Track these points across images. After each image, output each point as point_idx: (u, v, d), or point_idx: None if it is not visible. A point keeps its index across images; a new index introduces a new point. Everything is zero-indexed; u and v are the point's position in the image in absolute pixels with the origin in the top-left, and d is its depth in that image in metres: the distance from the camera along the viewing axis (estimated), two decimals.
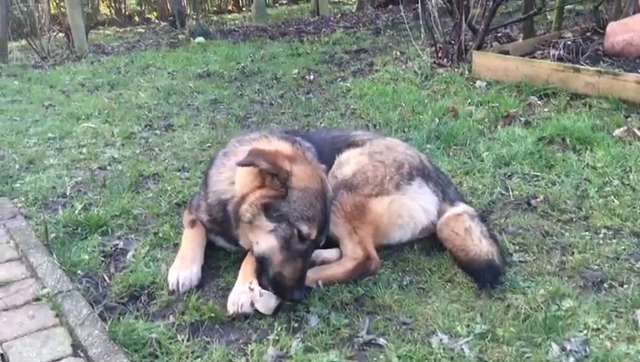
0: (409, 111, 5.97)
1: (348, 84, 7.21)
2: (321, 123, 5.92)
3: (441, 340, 2.64)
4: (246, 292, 2.80)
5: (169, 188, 4.32)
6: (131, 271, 3.17)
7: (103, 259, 3.30)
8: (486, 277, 3.03)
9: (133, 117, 6.29)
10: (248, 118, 6.25)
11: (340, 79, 7.55)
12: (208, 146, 5.35)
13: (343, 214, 3.26)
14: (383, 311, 2.86)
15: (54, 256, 3.24)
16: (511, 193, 4.05)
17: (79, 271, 3.17)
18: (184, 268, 3.05)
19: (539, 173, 4.27)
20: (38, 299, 2.85)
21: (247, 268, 2.93)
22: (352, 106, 6.38)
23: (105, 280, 3.12)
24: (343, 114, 6.18)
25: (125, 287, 3.04)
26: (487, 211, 3.85)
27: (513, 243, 3.44)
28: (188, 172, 4.69)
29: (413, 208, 3.39)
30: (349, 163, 3.51)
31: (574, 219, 3.63)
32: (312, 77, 7.71)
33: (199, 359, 2.52)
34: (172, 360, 2.50)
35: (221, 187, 3.06)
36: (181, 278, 3.01)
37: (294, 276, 2.72)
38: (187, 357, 2.52)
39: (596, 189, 3.92)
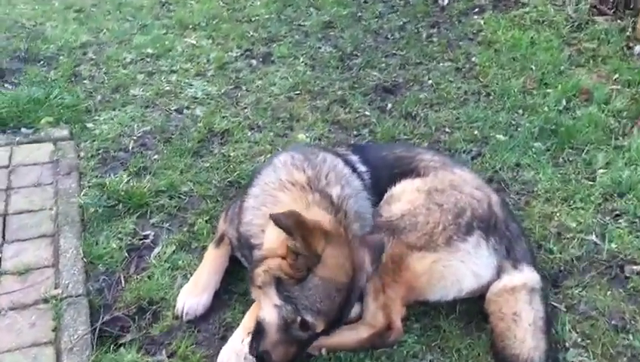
0: (536, 80, 5.05)
1: (482, 21, 6.22)
2: (428, 79, 5.22)
3: None
4: (237, 352, 2.60)
5: (232, 154, 4.10)
6: (148, 278, 3.08)
7: (127, 254, 3.22)
8: None
9: (237, 35, 5.94)
10: (354, 57, 5.65)
11: (476, 10, 6.51)
12: (297, 94, 4.95)
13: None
14: None
15: (83, 241, 3.21)
16: (606, 246, 3.33)
17: (100, 267, 3.13)
18: (194, 295, 2.90)
19: None
20: (46, 301, 2.86)
21: (252, 317, 2.70)
22: (473, 59, 5.53)
23: (120, 283, 3.07)
24: (459, 69, 5.40)
25: (135, 298, 2.97)
26: (565, 272, 3.22)
27: (576, 332, 2.89)
28: (260, 132, 4.41)
29: (461, 272, 2.90)
30: (400, 199, 3.03)
31: None
32: (445, 2, 6.72)
33: None
34: None
35: (253, 230, 2.75)
36: (187, 306, 2.87)
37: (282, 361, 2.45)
38: None
39: None
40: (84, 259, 3.12)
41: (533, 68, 5.23)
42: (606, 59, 5.34)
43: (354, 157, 3.16)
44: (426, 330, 2.89)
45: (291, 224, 2.34)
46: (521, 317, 2.75)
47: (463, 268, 2.89)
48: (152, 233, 3.37)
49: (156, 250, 3.26)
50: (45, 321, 2.78)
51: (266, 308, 2.49)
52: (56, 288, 2.94)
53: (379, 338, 2.78)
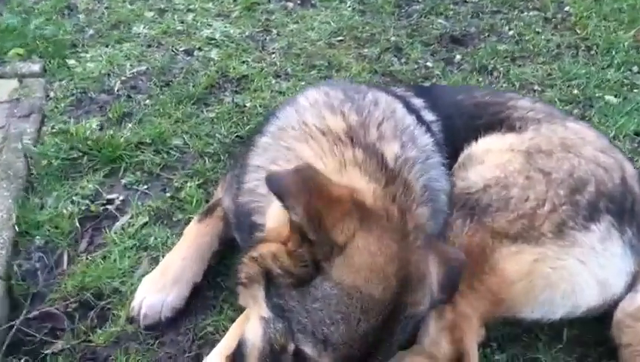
0: None
1: None
2: (509, 29, 4.10)
3: None
4: None
5: (248, 104, 3.10)
6: (103, 259, 2.11)
7: (79, 224, 2.25)
8: None
9: None
10: (414, 3, 4.52)
11: None
12: (339, 41, 3.90)
13: None
14: None
15: (21, 202, 2.26)
16: None
17: (37, 239, 2.18)
18: (158, 289, 1.91)
19: None
20: None
21: (236, 332, 1.68)
22: (566, 9, 4.37)
23: (62, 264, 2.11)
24: (548, 19, 4.25)
25: (78, 288, 2.02)
26: None
27: None
28: (289, 80, 3.40)
29: (579, 278, 1.83)
30: (484, 162, 1.96)
31: None
32: None
33: None
34: None
35: (256, 200, 1.71)
36: (147, 305, 1.90)
37: None
38: None
39: None
40: (17, 227, 2.17)
41: None
42: None
43: (417, 101, 2.09)
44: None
45: (294, 186, 1.32)
46: None
47: (583, 271, 1.82)
48: (121, 197, 2.41)
49: (121, 221, 2.29)
50: None
51: (252, 321, 1.47)
52: None
53: None
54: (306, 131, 1.70)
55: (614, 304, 1.88)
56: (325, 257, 1.35)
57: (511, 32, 4.07)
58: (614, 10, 4.27)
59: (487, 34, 4.05)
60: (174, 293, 1.91)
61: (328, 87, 1.97)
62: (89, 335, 1.88)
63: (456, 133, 2.05)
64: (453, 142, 2.02)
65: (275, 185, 1.35)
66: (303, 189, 1.32)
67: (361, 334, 1.35)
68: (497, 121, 2.10)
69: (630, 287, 1.88)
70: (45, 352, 1.83)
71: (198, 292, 1.99)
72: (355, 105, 1.78)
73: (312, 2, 4.51)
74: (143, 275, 2.00)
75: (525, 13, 4.34)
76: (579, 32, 4.03)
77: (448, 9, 4.40)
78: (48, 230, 2.21)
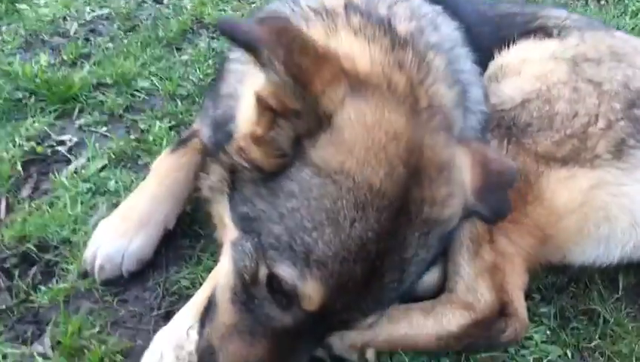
0: None
1: None
2: None
3: None
4: (178, 344, 1.19)
5: (224, 51, 2.67)
6: (50, 206, 1.69)
7: (23, 167, 1.83)
8: None
9: None
10: None
11: None
12: None
13: None
14: None
15: None
16: None
17: None
18: (117, 237, 1.51)
19: None
20: None
21: (206, 291, 1.29)
22: None
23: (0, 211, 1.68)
24: None
25: (19, 238, 1.59)
26: None
27: None
28: None
29: None
30: (520, 72, 1.60)
31: None
32: None
33: None
34: None
35: (234, 108, 1.28)
36: (101, 257, 1.48)
37: None
38: None
39: None
40: None
41: None
42: None
43: (436, 7, 1.70)
44: (568, 319, 1.49)
45: (268, 37, 0.97)
46: None
47: None
48: (74, 139, 2.00)
49: (74, 164, 1.89)
50: None
51: (222, 256, 1.12)
52: None
53: (483, 332, 1.38)
54: (298, 13, 1.32)
55: None
56: (308, 132, 0.99)
57: None
58: None
59: None
60: (139, 240, 1.51)
61: None
62: (30, 295, 1.48)
63: (482, 43, 1.68)
64: (477, 52, 1.66)
65: (242, 34, 0.97)
66: (279, 42, 0.95)
67: (357, 241, 0.97)
68: (529, 31, 1.75)
69: None
70: None
71: (169, 240, 1.59)
72: None
73: None
74: (100, 221, 1.58)
75: None
76: None
77: None
78: None
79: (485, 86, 1.59)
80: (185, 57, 2.58)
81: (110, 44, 2.63)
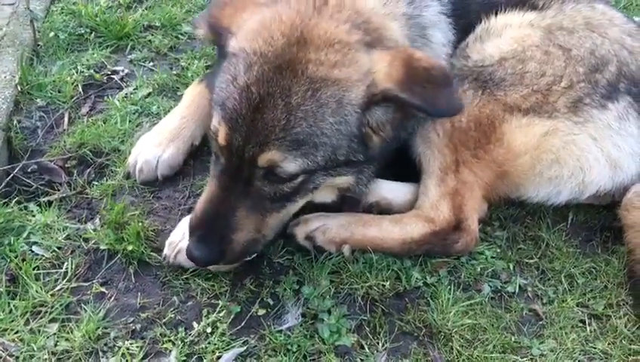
0: None
1: None
2: None
3: None
4: None
5: None
6: (104, 122, 2.07)
7: (82, 90, 2.20)
8: None
9: None
10: None
11: None
12: None
13: (448, 129, 1.72)
14: (427, 346, 1.44)
15: (26, 66, 2.22)
16: None
17: (39, 100, 2.15)
18: (153, 146, 1.87)
19: None
20: None
21: None
22: None
23: (62, 124, 2.07)
24: None
25: (77, 145, 1.98)
26: None
27: None
28: None
29: (590, 155, 1.76)
30: (501, 35, 1.88)
31: None
32: None
33: (59, 326, 1.41)
34: (22, 318, 1.42)
35: None
36: (142, 160, 1.85)
37: (197, 212, 1.50)
38: (42, 317, 1.42)
39: None
40: (19, 87, 2.13)
41: None
42: None
43: None
44: (517, 242, 1.79)
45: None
46: None
47: (595, 149, 1.74)
48: (126, 70, 2.36)
49: (125, 90, 2.25)
50: None
51: None
52: None
53: (439, 241, 1.69)
54: None
55: (623, 191, 1.80)
56: (225, 42, 1.49)
57: None
58: None
59: None
60: (170, 150, 1.87)
61: None
62: (85, 188, 1.85)
63: (471, 7, 1.95)
64: (466, 15, 1.92)
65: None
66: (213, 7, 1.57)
67: (243, 87, 1.39)
68: (517, 2, 2.00)
69: None
70: (40, 200, 1.80)
71: (196, 153, 1.95)
72: None
73: None
74: (141, 136, 1.95)
75: None
76: None
77: None
78: (51, 93, 2.17)
79: (466, 42, 1.87)
80: None
81: None
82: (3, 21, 2.55)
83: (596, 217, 1.87)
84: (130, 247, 1.59)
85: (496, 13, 1.94)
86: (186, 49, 2.54)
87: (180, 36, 2.61)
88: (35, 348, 1.38)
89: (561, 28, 1.87)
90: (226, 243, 1.45)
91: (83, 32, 2.53)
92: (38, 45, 2.42)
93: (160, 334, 1.45)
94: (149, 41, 2.54)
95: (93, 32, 2.53)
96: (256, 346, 1.45)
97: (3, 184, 1.80)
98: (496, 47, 1.84)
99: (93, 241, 1.62)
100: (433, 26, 1.71)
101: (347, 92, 1.41)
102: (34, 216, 1.70)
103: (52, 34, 2.47)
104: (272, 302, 1.54)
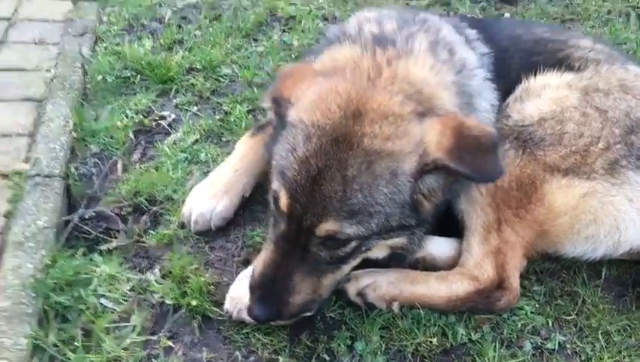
0: None
1: None
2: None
3: None
4: None
5: (295, 43, 3.13)
6: (155, 169, 2.17)
7: (134, 136, 2.30)
8: None
9: None
10: None
11: None
12: None
13: (491, 188, 1.81)
14: None
15: (78, 111, 2.32)
16: None
17: (93, 146, 2.25)
18: (207, 198, 1.97)
19: None
20: (5, 176, 2.00)
21: None
22: None
23: (116, 170, 2.17)
24: None
25: (132, 193, 2.08)
26: None
27: None
28: (336, 24, 3.36)
29: (626, 216, 1.84)
30: (540, 96, 1.97)
31: None
32: None
33: None
34: None
35: None
36: (197, 212, 1.94)
37: (257, 275, 1.58)
38: None
39: None
40: (74, 134, 2.24)
41: None
42: None
43: (471, 32, 2.09)
44: (554, 297, 1.87)
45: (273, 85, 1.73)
46: None
47: (631, 210, 1.83)
48: (173, 115, 2.46)
49: (173, 136, 2.35)
50: None
51: None
52: (25, 162, 2.06)
53: (483, 299, 1.77)
54: (343, 36, 1.82)
55: None
56: (284, 112, 1.57)
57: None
58: None
59: None
60: (224, 203, 1.96)
61: (390, 8, 2.02)
62: (142, 237, 1.94)
63: (512, 67, 2.05)
64: (507, 76, 2.03)
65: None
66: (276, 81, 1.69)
67: (303, 159, 1.46)
68: (557, 59, 2.09)
69: None
70: (100, 248, 1.89)
71: (247, 205, 2.04)
72: (398, 19, 1.86)
73: None
74: (194, 186, 2.05)
75: None
76: (630, 0, 3.97)
77: None
78: (104, 139, 2.27)
79: (507, 103, 1.97)
80: (260, 48, 3.01)
81: (198, 32, 3.09)
82: (51, 62, 2.67)
83: (628, 272, 1.95)
84: (194, 302, 1.67)
85: (535, 74, 2.04)
86: (227, 92, 2.64)
87: (220, 79, 2.72)
88: None
89: (598, 90, 1.96)
90: (284, 304, 1.54)
91: (129, 74, 2.64)
92: (86, 88, 2.52)
93: None
94: (192, 84, 2.64)
95: (139, 75, 2.64)
96: None
97: (65, 234, 1.89)
98: (536, 108, 1.93)
99: (158, 296, 1.71)
100: (479, 93, 1.81)
101: (400, 163, 1.49)
102: (98, 266, 1.79)
103: (100, 77, 2.58)
104: (327, 358, 1.63)
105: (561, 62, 2.08)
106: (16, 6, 3.04)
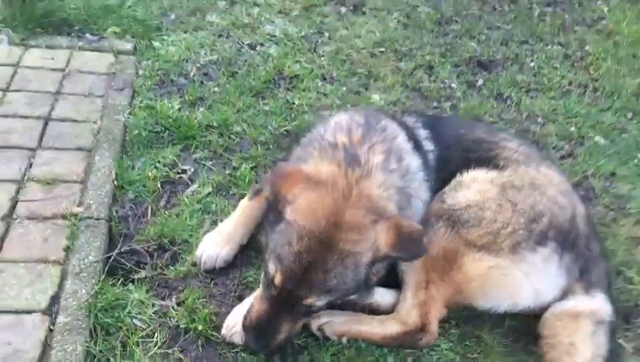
0: None
1: (606, 8, 5.52)
2: (531, 61, 4.68)
3: None
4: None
5: (296, 101, 3.77)
6: (177, 215, 2.84)
7: (161, 186, 2.98)
8: None
9: None
10: (452, 22, 5.14)
11: None
12: (381, 52, 4.53)
13: (425, 256, 2.46)
14: None
15: (118, 162, 2.99)
16: None
17: (130, 193, 2.91)
18: (215, 244, 2.63)
19: None
20: (64, 217, 2.67)
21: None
22: (586, 47, 4.91)
23: (147, 215, 2.84)
24: (568, 56, 4.81)
25: (158, 234, 2.74)
26: None
27: None
28: (332, 84, 4.06)
29: (521, 286, 2.50)
30: (470, 187, 2.61)
31: None
32: None
33: None
34: None
35: None
36: (206, 255, 2.62)
37: (253, 319, 2.22)
38: None
39: None
40: (115, 182, 2.91)
41: None
42: None
43: (423, 132, 2.75)
44: (465, 339, 2.52)
45: (269, 177, 2.34)
46: (577, 350, 2.36)
47: (525, 282, 2.48)
48: (192, 169, 3.11)
49: (191, 188, 3.00)
50: (59, 238, 2.59)
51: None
52: (79, 206, 2.74)
53: (409, 338, 2.43)
54: (322, 141, 2.44)
55: (545, 308, 2.53)
56: (282, 207, 2.12)
57: (532, 64, 4.64)
58: (629, 55, 4.78)
59: (510, 62, 4.63)
60: (226, 249, 2.63)
61: (358, 112, 2.67)
62: (164, 270, 2.61)
63: (452, 161, 2.70)
64: (448, 167, 2.67)
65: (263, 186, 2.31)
66: (271, 176, 2.24)
67: (297, 252, 2.06)
68: (487, 157, 2.72)
69: (560, 298, 2.54)
70: (133, 277, 2.57)
71: (243, 251, 2.70)
72: (364, 128, 2.48)
73: (363, 10, 5.12)
74: (205, 232, 2.71)
75: (549, 47, 4.89)
76: (591, 72, 4.58)
77: (482, 33, 4.99)
78: (138, 187, 2.93)
79: (444, 191, 2.62)
80: (266, 108, 3.66)
81: (217, 89, 3.74)
82: (97, 114, 3.32)
83: (524, 324, 2.60)
84: (199, 327, 2.34)
85: (468, 169, 2.68)
86: (236, 149, 3.29)
87: (232, 136, 3.37)
88: None
89: (513, 186, 2.59)
90: (271, 340, 2.20)
91: (159, 129, 3.29)
92: (125, 140, 3.19)
93: None
94: (209, 141, 3.29)
95: (167, 131, 3.29)
96: None
97: (107, 266, 2.57)
98: (465, 197, 2.57)
99: (175, 320, 2.39)
100: (416, 194, 2.46)
101: (362, 258, 2.13)
102: (132, 293, 2.46)
103: (136, 131, 3.23)
104: None
105: (490, 160, 2.71)
106: (69, 57, 3.70)
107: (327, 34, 4.67)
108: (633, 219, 3.22)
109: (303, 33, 4.60)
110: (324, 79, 4.09)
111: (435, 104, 4.00)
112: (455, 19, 5.18)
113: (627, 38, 5.01)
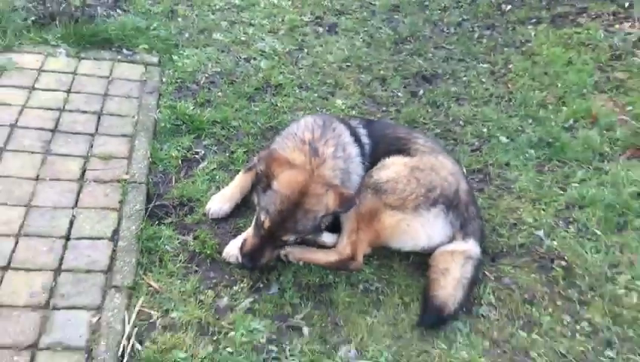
0: (556, 97, 5.62)
1: (533, 33, 6.78)
2: (464, 76, 5.92)
3: (348, 353, 3.28)
4: (238, 247, 3.64)
5: (279, 104, 5.05)
6: (192, 183, 4.14)
7: (181, 162, 4.28)
8: (425, 319, 3.50)
9: (313, 2, 6.73)
10: (407, 42, 6.39)
11: (534, 20, 7.00)
12: (347, 66, 5.81)
13: (357, 212, 3.78)
14: (328, 306, 3.51)
15: (152, 145, 4.29)
16: (548, 242, 4.05)
17: (160, 166, 4.20)
18: (219, 201, 3.94)
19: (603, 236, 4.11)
20: (118, 181, 3.97)
21: (249, 230, 3.73)
22: (510, 66, 6.12)
23: (171, 181, 4.14)
24: (494, 72, 6.04)
25: (179, 195, 4.03)
26: (504, 253, 3.96)
27: (494, 296, 3.69)
28: (307, 91, 5.31)
29: (419, 233, 3.76)
30: (389, 168, 3.89)
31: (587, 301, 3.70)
32: (508, 7, 7.32)
33: (178, 281, 3.49)
34: (161, 275, 3.51)
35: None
36: (213, 209, 3.92)
37: (247, 248, 3.45)
38: (170, 277, 3.50)
39: None
40: (150, 159, 4.21)
41: (559, 85, 5.72)
42: (629, 91, 5.80)
43: (362, 131, 4.05)
44: (381, 267, 3.81)
45: (264, 155, 3.47)
46: (449, 272, 3.61)
47: (421, 230, 3.76)
48: (202, 151, 4.41)
49: (202, 164, 4.30)
50: (115, 195, 3.89)
51: (255, 216, 3.52)
52: (126, 174, 4.04)
53: (343, 264, 3.73)
54: (294, 136, 3.69)
55: (435, 248, 3.80)
56: (271, 180, 3.22)
57: (465, 78, 5.90)
58: (542, 73, 6.00)
59: (447, 76, 5.91)
60: (227, 206, 3.92)
61: (319, 116, 3.99)
62: (184, 218, 3.92)
63: (379, 152, 3.99)
64: (376, 155, 3.99)
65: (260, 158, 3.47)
66: (267, 156, 3.40)
67: (278, 209, 3.24)
68: (403, 149, 4.01)
69: (446, 242, 3.84)
70: (164, 222, 3.87)
71: (237, 208, 4.01)
72: (322, 128, 3.74)
73: (337, 30, 6.41)
74: (212, 195, 4.03)
75: (480, 65, 6.15)
76: (509, 86, 5.83)
77: (429, 51, 6.26)
78: (165, 163, 4.22)
79: (372, 170, 3.94)
80: (256, 109, 4.95)
81: (220, 94, 5.03)
82: (135, 111, 4.61)
83: (422, 259, 3.90)
84: (208, 252, 3.64)
85: (389, 156, 4.00)
86: (234, 138, 4.58)
87: (230, 129, 4.66)
88: None
89: (419, 168, 3.87)
90: (260, 261, 3.49)
91: (179, 123, 4.58)
92: (154, 130, 4.50)
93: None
94: (214, 132, 4.59)
95: (184, 124, 4.60)
96: (258, 302, 3.54)
97: (147, 213, 3.88)
98: (386, 174, 3.86)
99: (192, 247, 3.70)
100: (354, 172, 3.75)
101: (318, 213, 3.38)
102: (163, 231, 3.77)
103: (162, 124, 4.54)
104: (262, 285, 3.63)
105: (406, 150, 4.03)
106: (111, 67, 4.99)
107: (306, 50, 5.95)
108: (514, 196, 4.49)
109: (287, 49, 5.88)
110: (301, 87, 5.37)
111: (384, 108, 5.27)
112: (409, 39, 6.46)
113: (545, 59, 6.23)
